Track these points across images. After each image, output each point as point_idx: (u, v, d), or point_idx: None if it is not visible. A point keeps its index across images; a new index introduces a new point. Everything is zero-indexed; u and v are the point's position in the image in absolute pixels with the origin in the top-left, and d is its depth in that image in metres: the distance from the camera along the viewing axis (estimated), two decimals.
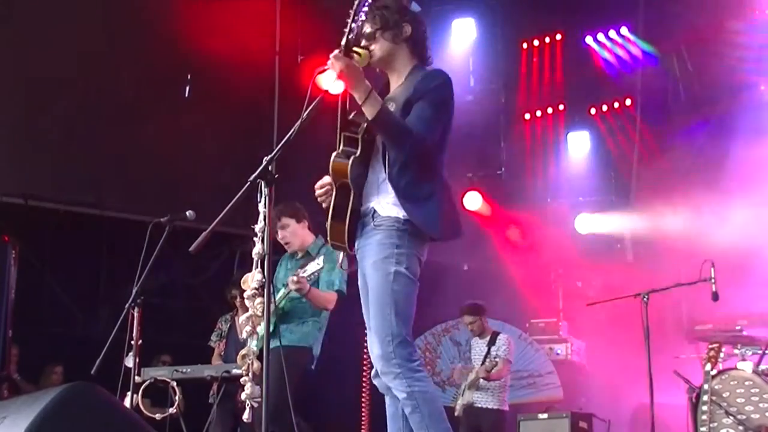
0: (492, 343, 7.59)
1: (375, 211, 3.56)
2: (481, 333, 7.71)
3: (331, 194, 3.60)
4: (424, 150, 3.48)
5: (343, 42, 3.44)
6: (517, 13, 10.60)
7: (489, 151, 10.83)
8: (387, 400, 3.66)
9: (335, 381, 7.80)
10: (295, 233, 5.65)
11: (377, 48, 3.62)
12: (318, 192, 3.67)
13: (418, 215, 3.49)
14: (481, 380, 7.45)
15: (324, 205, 3.67)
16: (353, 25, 3.51)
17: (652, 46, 10.26)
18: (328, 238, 3.63)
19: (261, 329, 5.36)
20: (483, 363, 7.49)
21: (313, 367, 5.54)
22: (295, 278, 5.23)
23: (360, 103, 3.42)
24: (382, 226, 3.52)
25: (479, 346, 7.72)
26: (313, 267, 5.31)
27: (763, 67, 9.22)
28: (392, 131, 3.46)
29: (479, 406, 7.51)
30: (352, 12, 3.44)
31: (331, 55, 3.41)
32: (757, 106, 9.09)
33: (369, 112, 3.41)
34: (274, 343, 5.26)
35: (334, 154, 3.55)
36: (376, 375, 3.60)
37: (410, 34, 3.64)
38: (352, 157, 3.52)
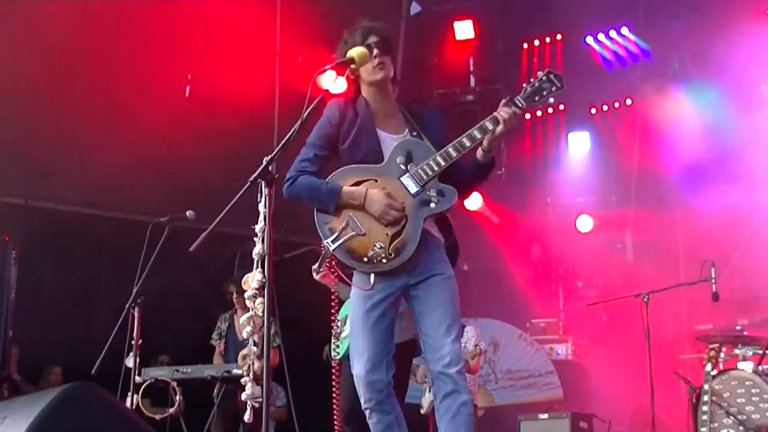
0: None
1: (427, 231, 3.69)
2: None
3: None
4: None
5: (522, 105, 3.68)
6: (517, 13, 10.61)
7: None
8: (375, 416, 3.67)
9: None
10: None
11: (388, 66, 3.74)
12: (400, 214, 3.64)
13: (456, 245, 3.82)
14: None
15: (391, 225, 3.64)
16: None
17: (652, 46, 10.27)
18: (401, 267, 3.63)
19: (345, 333, 5.40)
20: None
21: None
22: None
23: (492, 148, 3.69)
24: (439, 245, 3.75)
25: None
26: None
27: (764, 68, 9.22)
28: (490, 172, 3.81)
29: None
30: (550, 90, 3.71)
31: (512, 111, 3.62)
32: (757, 106, 9.09)
33: (486, 159, 3.70)
34: None
35: (450, 188, 3.71)
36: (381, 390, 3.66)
37: (395, 70, 3.83)
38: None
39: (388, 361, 3.67)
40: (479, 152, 3.69)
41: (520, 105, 3.66)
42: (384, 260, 3.59)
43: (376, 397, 3.64)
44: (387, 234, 3.60)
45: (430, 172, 3.63)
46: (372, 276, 3.64)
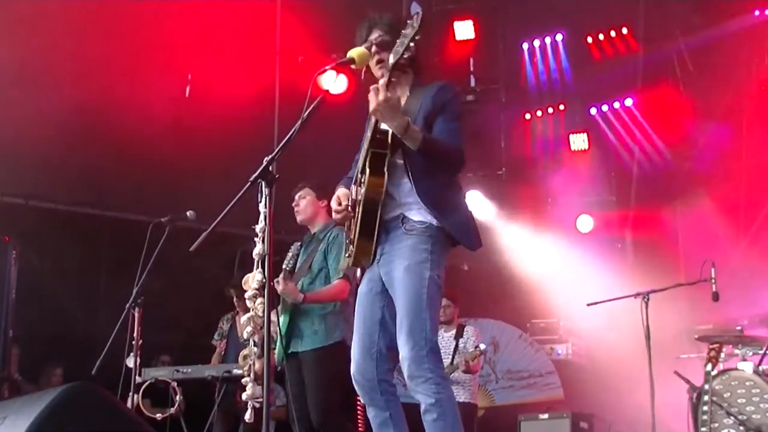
0: (459, 335, 7.24)
1: (405, 216, 3.57)
2: (448, 322, 7.26)
3: (350, 214, 3.61)
4: (463, 162, 3.58)
5: (391, 63, 3.42)
6: (518, 13, 10.60)
7: (489, 151, 10.82)
8: (371, 411, 3.63)
9: None
10: (310, 204, 5.48)
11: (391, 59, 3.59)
12: (341, 209, 3.64)
13: (453, 225, 3.56)
14: (456, 373, 7.03)
15: (342, 223, 3.69)
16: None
17: (652, 46, 10.26)
18: (352, 261, 3.62)
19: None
20: (453, 357, 7.10)
21: None
22: (280, 287, 5.08)
23: (400, 136, 3.44)
24: (414, 231, 3.54)
25: (444, 339, 7.22)
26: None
27: (764, 68, 9.22)
28: (441, 155, 3.51)
29: None
30: (410, 34, 3.35)
31: (372, 88, 3.40)
32: (757, 106, 9.09)
33: (412, 144, 3.44)
34: (296, 344, 5.23)
35: (367, 171, 3.50)
36: (367, 382, 3.61)
37: (415, 52, 3.54)
38: (385, 174, 3.51)
39: (380, 356, 3.58)
40: None
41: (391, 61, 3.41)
42: (349, 255, 3.64)
43: (369, 393, 3.61)
44: (350, 228, 3.65)
45: (363, 160, 3.58)
46: (358, 270, 3.75)
